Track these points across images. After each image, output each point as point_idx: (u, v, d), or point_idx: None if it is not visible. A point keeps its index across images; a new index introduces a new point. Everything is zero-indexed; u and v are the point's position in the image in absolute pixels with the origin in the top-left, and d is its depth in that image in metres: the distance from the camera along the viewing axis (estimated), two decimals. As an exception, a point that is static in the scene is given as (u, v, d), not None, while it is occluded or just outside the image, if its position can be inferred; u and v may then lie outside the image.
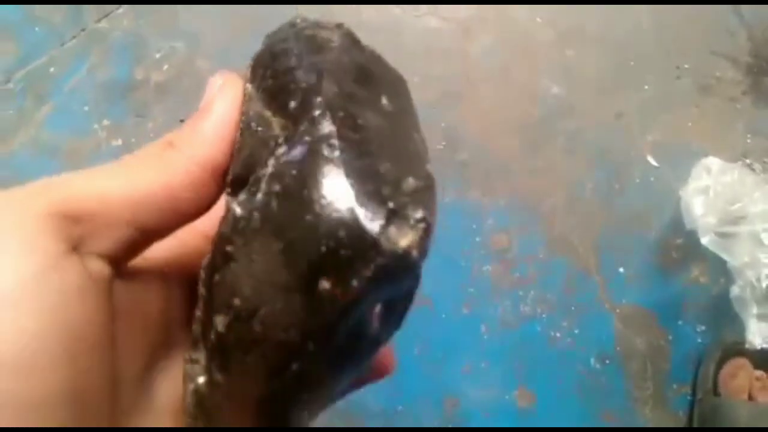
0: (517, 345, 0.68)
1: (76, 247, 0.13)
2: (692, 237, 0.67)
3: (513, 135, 0.73)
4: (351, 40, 0.17)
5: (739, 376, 0.62)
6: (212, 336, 0.14)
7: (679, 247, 0.71)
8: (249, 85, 0.16)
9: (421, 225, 0.13)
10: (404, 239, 0.13)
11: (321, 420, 0.19)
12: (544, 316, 0.68)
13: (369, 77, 0.16)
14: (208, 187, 0.15)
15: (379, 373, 0.19)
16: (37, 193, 0.13)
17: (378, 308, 0.15)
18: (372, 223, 0.13)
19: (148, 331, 0.15)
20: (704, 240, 0.64)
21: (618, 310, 0.69)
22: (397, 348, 0.20)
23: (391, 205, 0.13)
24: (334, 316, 0.13)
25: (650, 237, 0.71)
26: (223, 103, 0.15)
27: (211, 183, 0.15)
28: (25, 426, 0.12)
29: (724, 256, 0.64)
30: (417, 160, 0.15)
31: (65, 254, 0.12)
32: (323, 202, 0.13)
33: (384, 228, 0.13)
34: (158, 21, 0.83)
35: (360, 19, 0.77)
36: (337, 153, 0.13)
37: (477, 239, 0.71)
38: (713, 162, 0.67)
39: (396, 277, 0.14)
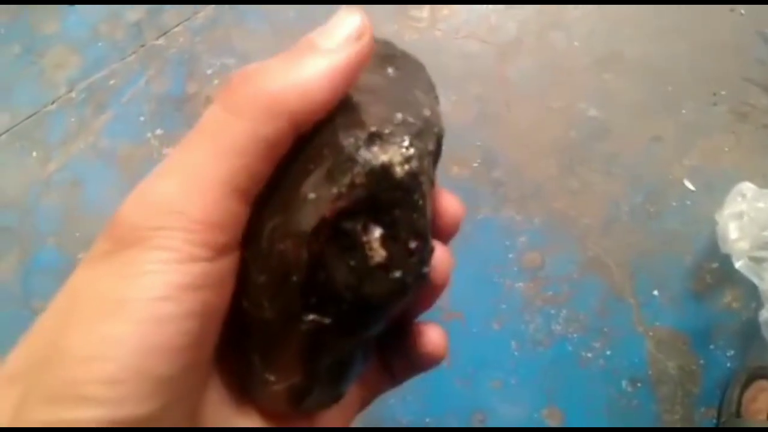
0: (548, 363, 0.68)
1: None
2: (727, 262, 0.67)
3: (549, 156, 0.74)
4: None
5: (759, 399, 0.62)
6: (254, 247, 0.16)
7: (714, 272, 0.70)
8: None
9: (406, 147, 0.15)
10: (384, 155, 0.15)
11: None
12: (575, 336, 0.68)
13: (378, 55, 0.18)
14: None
15: (433, 359, 0.20)
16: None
17: (377, 232, 0.15)
18: (348, 139, 0.15)
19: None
20: (738, 264, 0.65)
21: (651, 333, 0.68)
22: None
23: (373, 129, 0.15)
24: (315, 221, 0.15)
25: (686, 261, 0.71)
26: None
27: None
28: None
29: (756, 281, 0.64)
30: (413, 106, 0.17)
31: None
32: (316, 136, 0.16)
33: (362, 144, 0.15)
34: (212, 39, 0.88)
35: (402, 41, 0.80)
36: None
37: (510, 256, 0.72)
38: (748, 188, 0.67)
39: (380, 194, 0.15)
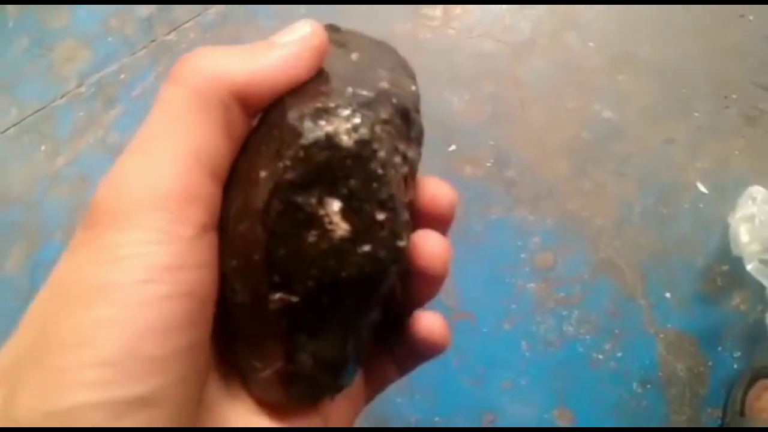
0: (559, 364, 0.68)
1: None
2: (737, 264, 0.67)
3: (562, 156, 0.74)
4: (331, 28, 0.20)
5: (763, 398, 0.63)
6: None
7: (724, 274, 0.71)
8: None
9: (351, 116, 0.15)
10: (329, 126, 0.15)
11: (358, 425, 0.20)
12: (587, 337, 0.68)
13: (343, 44, 0.19)
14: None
15: (433, 346, 0.19)
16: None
17: (335, 205, 0.15)
18: (294, 116, 0.15)
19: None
20: (749, 267, 0.65)
21: (662, 335, 0.68)
22: (437, 359, 0.20)
23: (319, 104, 0.15)
24: (265, 197, 0.15)
25: (697, 263, 0.71)
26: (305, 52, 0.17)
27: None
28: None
29: (765, 283, 0.65)
30: (368, 81, 0.17)
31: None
32: (269, 119, 0.16)
33: (307, 118, 0.15)
34: (222, 36, 0.87)
35: (416, 40, 0.80)
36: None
37: (522, 256, 0.71)
38: (758, 191, 0.68)
39: (330, 166, 0.15)
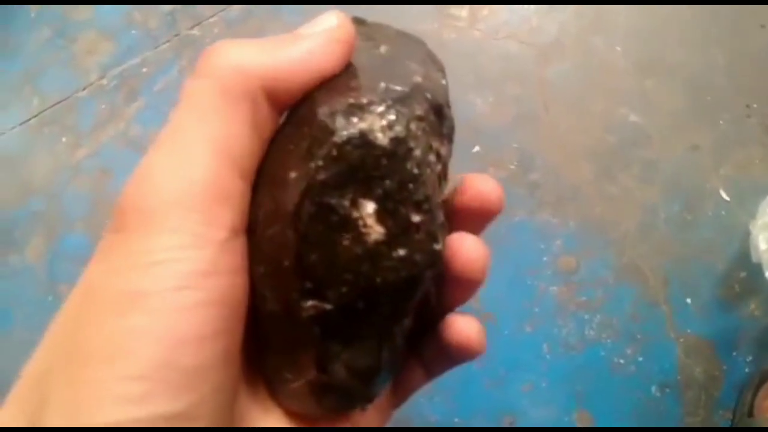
0: (580, 368, 0.68)
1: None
2: (756, 271, 0.67)
3: (587, 160, 0.74)
4: (357, 21, 0.19)
5: None
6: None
7: (742, 281, 0.71)
8: None
9: (386, 113, 0.14)
10: (363, 123, 0.14)
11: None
12: (609, 341, 0.68)
13: (370, 37, 0.18)
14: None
15: (468, 352, 0.19)
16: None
17: (370, 207, 0.14)
18: (325, 113, 0.14)
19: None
20: (767, 274, 0.66)
21: (682, 340, 0.69)
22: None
23: (351, 100, 0.14)
24: (297, 199, 0.14)
25: (717, 269, 0.71)
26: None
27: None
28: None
29: (782, 289, 0.66)
30: (401, 75, 0.16)
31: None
32: (298, 117, 0.15)
33: (340, 115, 0.14)
34: (246, 31, 0.87)
35: (441, 40, 0.80)
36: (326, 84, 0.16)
37: (544, 259, 0.71)
38: (776, 199, 0.68)
39: (364, 165, 0.14)
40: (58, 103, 0.89)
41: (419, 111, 0.15)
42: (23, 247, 0.83)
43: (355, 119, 0.14)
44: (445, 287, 0.18)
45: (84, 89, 0.89)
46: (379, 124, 0.14)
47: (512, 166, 0.75)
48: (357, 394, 0.17)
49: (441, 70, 0.18)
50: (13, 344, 0.75)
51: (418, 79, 0.16)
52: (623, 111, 0.75)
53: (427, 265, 0.15)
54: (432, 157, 0.15)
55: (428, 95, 0.16)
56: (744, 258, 0.70)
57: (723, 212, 0.73)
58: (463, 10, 0.81)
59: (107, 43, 0.91)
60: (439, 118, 0.16)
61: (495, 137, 0.75)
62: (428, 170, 0.15)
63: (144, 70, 0.88)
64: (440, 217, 0.16)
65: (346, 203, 0.14)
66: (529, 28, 0.80)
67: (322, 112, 0.14)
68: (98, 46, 0.91)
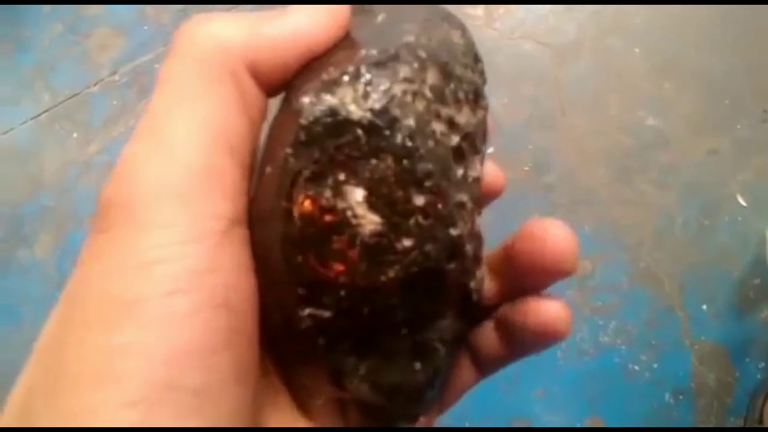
0: (594, 374, 0.67)
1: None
2: (769, 278, 0.67)
3: (603, 163, 0.73)
4: (362, 10, 0.17)
5: None
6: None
7: (757, 287, 0.71)
8: None
9: (358, 81, 0.12)
10: (333, 98, 0.12)
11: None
12: (623, 347, 0.67)
13: (370, 10, 0.16)
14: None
15: (554, 335, 0.16)
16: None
17: (358, 195, 0.12)
18: (296, 91, 0.13)
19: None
20: None
21: (696, 347, 0.68)
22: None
23: (324, 76, 0.13)
24: (271, 196, 0.13)
25: (733, 276, 0.71)
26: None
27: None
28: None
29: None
30: (388, 37, 0.14)
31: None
32: (281, 105, 0.14)
33: (311, 94, 0.13)
34: (259, 28, 0.87)
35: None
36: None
37: (558, 263, 0.71)
38: (793, 206, 0.68)
39: (341, 144, 0.12)
40: (70, 98, 0.89)
41: (406, 73, 0.13)
42: (32, 242, 0.83)
43: (327, 96, 0.12)
44: (525, 277, 0.15)
45: (95, 85, 0.89)
46: (351, 95, 0.12)
47: (527, 168, 0.74)
48: (395, 413, 0.15)
49: (459, 27, 0.16)
50: (21, 341, 0.75)
51: (410, 38, 0.13)
52: (641, 113, 0.74)
53: (444, 255, 0.13)
54: (439, 126, 0.13)
55: (422, 53, 0.13)
56: (759, 265, 0.69)
57: (740, 218, 0.72)
58: (479, 9, 0.81)
59: (119, 38, 0.91)
60: (446, 79, 0.14)
61: (509, 138, 0.74)
62: (431, 142, 0.13)
63: (156, 66, 0.88)
64: (457, 196, 0.13)
65: (328, 193, 0.12)
66: (546, 27, 0.79)
67: (295, 92, 0.13)
68: (110, 42, 0.91)
